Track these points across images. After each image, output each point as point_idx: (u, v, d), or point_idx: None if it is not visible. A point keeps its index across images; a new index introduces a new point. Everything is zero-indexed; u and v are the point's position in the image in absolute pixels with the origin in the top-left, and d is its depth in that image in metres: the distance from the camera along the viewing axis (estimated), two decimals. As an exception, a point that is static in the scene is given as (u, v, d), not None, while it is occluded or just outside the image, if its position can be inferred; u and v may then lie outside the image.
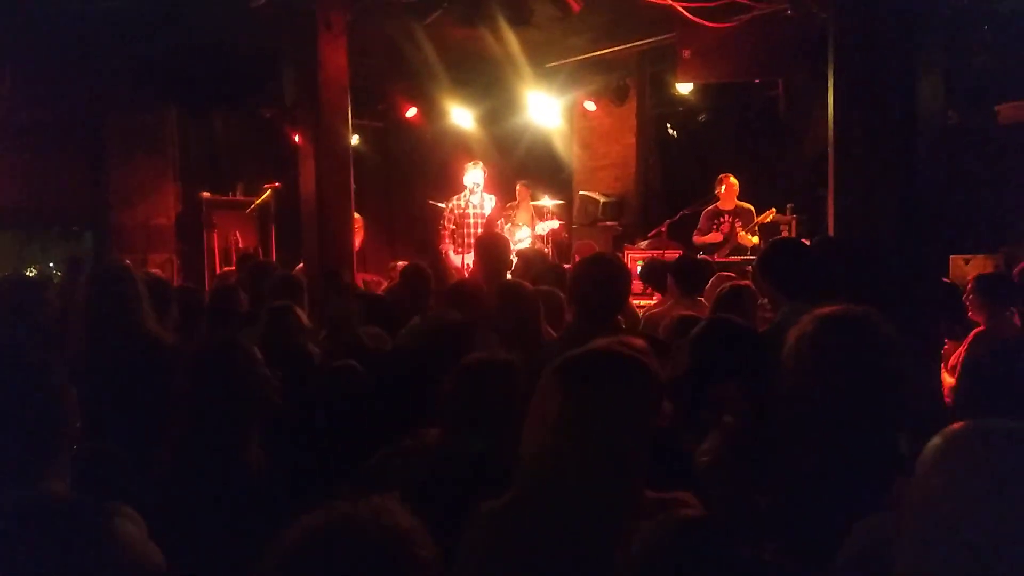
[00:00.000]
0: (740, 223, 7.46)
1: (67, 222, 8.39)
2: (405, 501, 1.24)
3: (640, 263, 6.91)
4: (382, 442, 2.45)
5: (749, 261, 6.51)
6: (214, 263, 8.83)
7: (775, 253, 3.54)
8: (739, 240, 7.41)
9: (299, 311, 3.65)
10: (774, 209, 7.43)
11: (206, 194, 9.24)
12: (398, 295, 4.78)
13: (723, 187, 7.58)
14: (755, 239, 7.32)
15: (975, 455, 1.02)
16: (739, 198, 7.66)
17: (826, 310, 1.93)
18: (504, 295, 3.46)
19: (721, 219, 7.59)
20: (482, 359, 2.28)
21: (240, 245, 8.85)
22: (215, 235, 8.96)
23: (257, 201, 8.91)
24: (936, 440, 1.07)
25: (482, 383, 2.17)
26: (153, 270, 8.12)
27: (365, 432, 2.70)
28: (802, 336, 1.89)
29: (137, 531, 1.57)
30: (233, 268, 6.67)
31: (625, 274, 3.37)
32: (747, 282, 4.00)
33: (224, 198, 9.14)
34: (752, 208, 7.57)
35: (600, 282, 3.15)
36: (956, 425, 1.08)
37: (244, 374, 2.33)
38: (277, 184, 8.34)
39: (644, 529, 1.43)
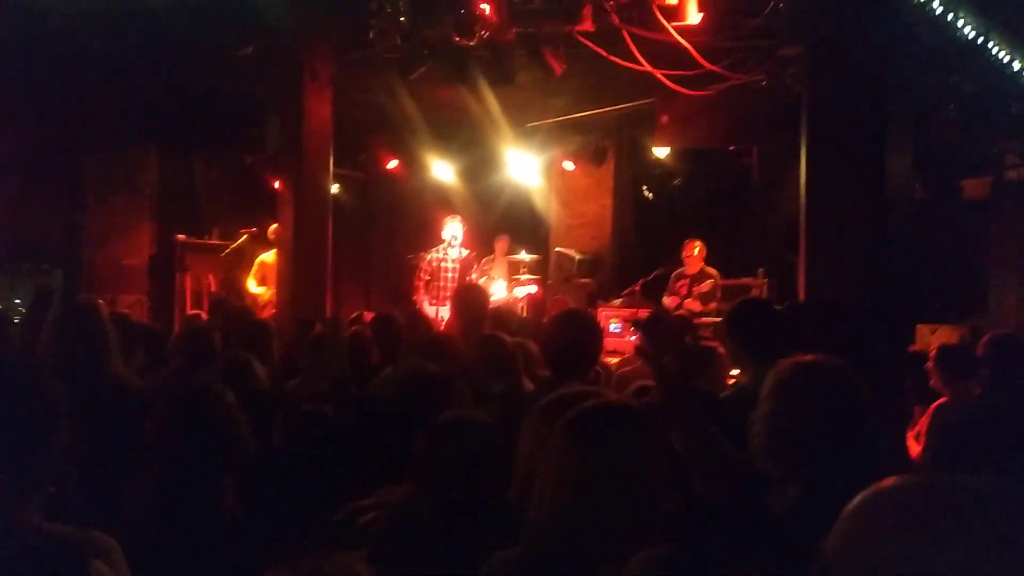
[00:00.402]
0: (696, 288, 7.61)
1: (38, 259, 8.28)
2: (371, 560, 1.23)
3: (613, 321, 6.97)
4: (354, 493, 2.42)
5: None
6: (185, 306, 8.74)
7: (743, 312, 3.55)
8: (686, 304, 7.56)
9: (256, 363, 3.58)
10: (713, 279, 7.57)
11: (181, 236, 9.19)
12: (367, 345, 4.75)
13: (688, 252, 7.74)
14: (700, 306, 7.46)
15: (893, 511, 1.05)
16: (710, 262, 7.80)
17: (804, 358, 2.00)
18: (485, 347, 3.46)
19: (680, 282, 7.75)
20: (455, 418, 2.27)
21: (212, 289, 8.78)
22: (188, 278, 8.88)
23: (233, 245, 8.88)
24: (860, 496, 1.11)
25: (455, 443, 2.15)
26: (123, 311, 8.03)
27: (338, 482, 2.67)
28: (779, 380, 1.96)
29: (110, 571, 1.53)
30: (202, 311, 6.61)
31: (597, 329, 3.39)
32: (716, 343, 4.04)
33: (199, 241, 9.09)
34: (716, 273, 7.72)
35: (572, 337, 3.17)
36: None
37: (220, 419, 2.31)
38: (254, 229, 8.33)
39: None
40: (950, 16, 5.00)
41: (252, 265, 8.22)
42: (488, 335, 3.64)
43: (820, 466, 1.85)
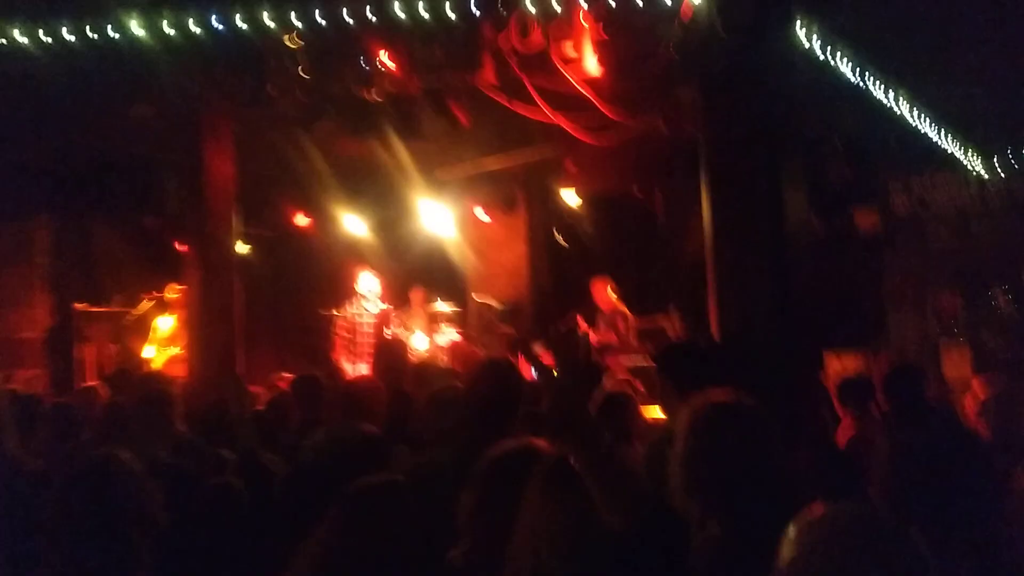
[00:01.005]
0: (621, 324, 7.66)
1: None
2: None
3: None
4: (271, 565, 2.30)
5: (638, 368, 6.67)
6: (85, 377, 8.29)
7: (675, 353, 3.66)
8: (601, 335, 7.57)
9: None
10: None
11: (80, 305, 8.76)
12: (286, 408, 4.58)
13: (601, 291, 7.80)
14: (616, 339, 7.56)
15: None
16: (625, 300, 7.88)
17: (716, 396, 2.08)
18: (435, 403, 3.39)
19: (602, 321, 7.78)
20: (370, 484, 2.19)
21: (116, 358, 8.38)
22: (88, 348, 8.45)
23: (134, 312, 8.52)
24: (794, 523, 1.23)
25: (367, 510, 2.08)
26: (17, 387, 7.55)
27: (250, 554, 2.54)
28: (693, 420, 2.03)
29: None
30: (97, 383, 6.27)
31: (519, 378, 3.38)
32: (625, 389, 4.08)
33: (100, 310, 8.68)
34: (626, 310, 7.80)
35: (496, 387, 3.14)
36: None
37: (127, 491, 2.19)
38: (158, 294, 8.02)
39: None
40: (831, 56, 5.30)
41: (152, 331, 7.90)
42: (441, 391, 3.55)
43: (737, 503, 1.88)
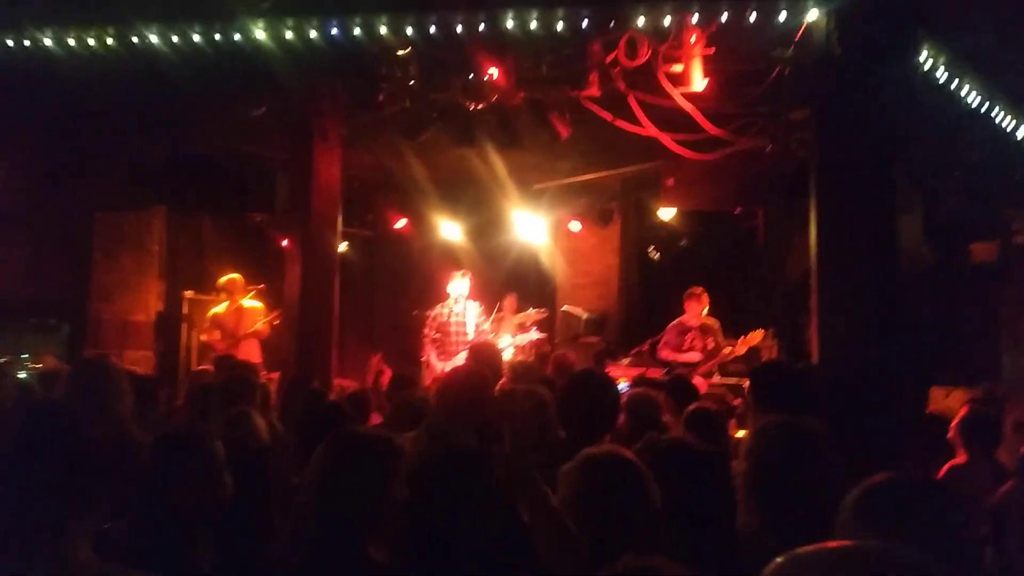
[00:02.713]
0: (700, 338, 7.46)
1: (46, 314, 8.28)
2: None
3: (622, 380, 6.90)
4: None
5: (729, 385, 6.54)
6: (192, 361, 8.70)
7: (762, 370, 3.64)
8: (726, 351, 7.33)
9: (256, 418, 3.57)
10: (763, 330, 7.46)
11: (189, 293, 9.21)
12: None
13: (688, 301, 7.58)
14: (728, 348, 7.32)
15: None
16: (715, 318, 7.70)
17: (781, 418, 2.21)
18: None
19: (686, 334, 7.58)
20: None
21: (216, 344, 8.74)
22: (193, 333, 8.87)
23: (240, 301, 8.87)
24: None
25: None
26: (129, 366, 7.99)
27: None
28: (756, 439, 2.20)
29: None
30: (209, 367, 6.57)
31: (614, 391, 3.36)
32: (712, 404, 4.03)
33: (207, 297, 9.10)
34: (714, 322, 7.59)
35: (589, 399, 3.13)
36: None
37: (200, 467, 2.32)
38: (262, 286, 8.35)
39: None
40: (955, 83, 5.08)
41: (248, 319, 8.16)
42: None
43: (790, 519, 1.98)
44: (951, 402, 6.16)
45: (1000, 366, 6.71)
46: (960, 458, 4.11)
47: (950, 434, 4.22)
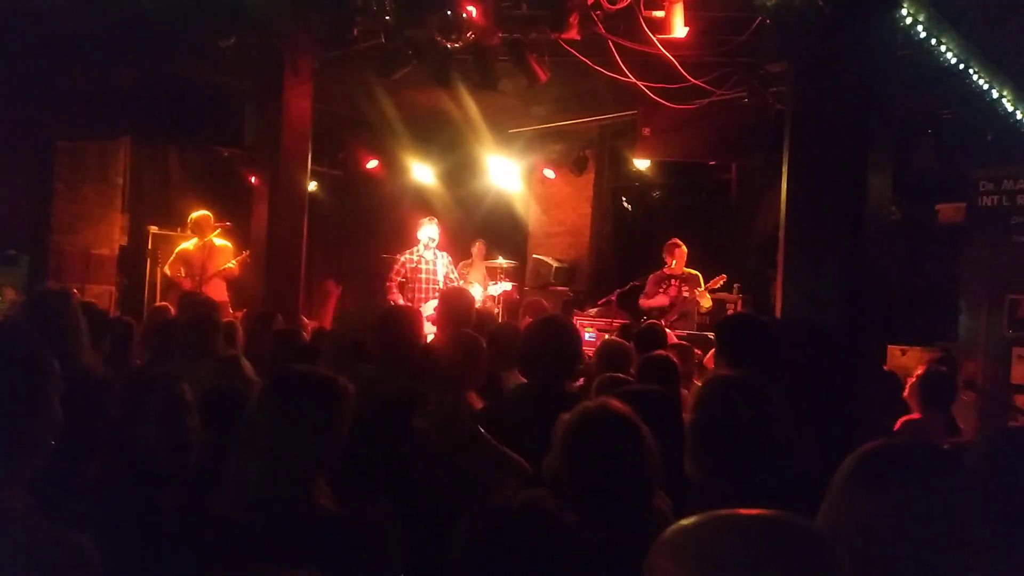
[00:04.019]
0: (687, 287, 7.49)
1: (5, 244, 8.08)
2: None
3: (588, 330, 6.95)
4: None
5: (695, 336, 6.60)
6: (155, 298, 8.58)
7: (728, 323, 3.66)
8: (697, 299, 7.38)
9: (244, 362, 3.54)
10: (723, 276, 7.52)
11: (154, 227, 9.04)
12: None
13: (674, 252, 7.63)
14: (709, 301, 7.37)
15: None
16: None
17: (725, 373, 2.22)
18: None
19: (668, 283, 7.62)
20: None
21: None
22: (158, 270, 8.73)
23: (205, 239, 8.73)
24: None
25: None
26: (90, 300, 7.86)
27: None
28: (702, 393, 2.19)
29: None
30: (169, 304, 6.47)
31: (576, 336, 3.36)
32: (667, 352, 4.03)
33: (172, 233, 8.94)
34: (699, 274, 7.63)
35: (551, 344, 3.13)
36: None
37: (168, 412, 2.25)
38: (228, 223, 8.20)
39: None
40: (933, 40, 5.05)
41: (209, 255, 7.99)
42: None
43: (735, 473, 1.99)
44: (907, 361, 6.30)
45: (957, 326, 6.84)
46: (915, 414, 4.22)
47: (906, 392, 4.33)
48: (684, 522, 1.01)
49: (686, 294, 7.42)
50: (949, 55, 5.27)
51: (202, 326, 4.00)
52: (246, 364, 3.53)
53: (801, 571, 0.93)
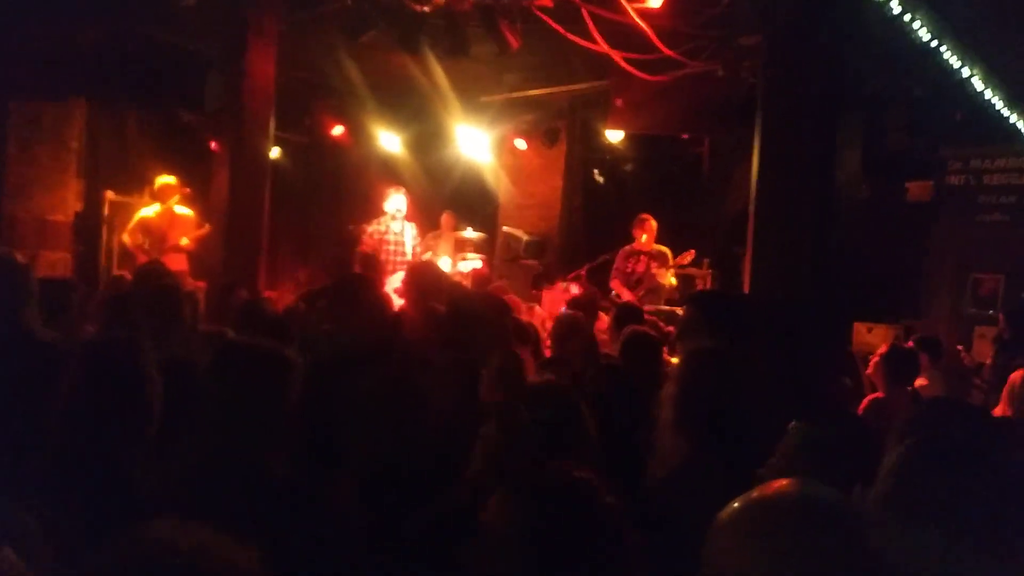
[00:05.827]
0: (655, 264, 7.42)
1: (-48, 209, 7.81)
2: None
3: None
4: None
5: (663, 311, 6.57)
6: (112, 265, 8.36)
7: (700, 297, 3.68)
8: (657, 280, 7.33)
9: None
10: (693, 251, 7.47)
11: (110, 193, 8.76)
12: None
13: (644, 227, 7.54)
14: (672, 280, 7.33)
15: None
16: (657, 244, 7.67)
17: (705, 345, 2.36)
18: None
19: (638, 258, 7.54)
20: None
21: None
22: (116, 237, 8.49)
23: (164, 206, 8.49)
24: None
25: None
26: (45, 268, 7.62)
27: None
28: (682, 364, 2.33)
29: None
30: (127, 273, 6.28)
31: (495, 313, 3.36)
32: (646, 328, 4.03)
33: (130, 199, 8.69)
34: (668, 251, 7.56)
35: (471, 321, 3.12)
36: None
37: (134, 374, 2.17)
38: (187, 190, 7.98)
39: None
40: (907, 17, 5.01)
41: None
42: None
43: (718, 445, 2.08)
44: (872, 338, 6.33)
45: (922, 304, 6.90)
46: (880, 392, 4.23)
47: (869, 370, 4.34)
48: (736, 504, 1.16)
49: (655, 270, 7.36)
50: (923, 32, 5.24)
51: (169, 296, 3.87)
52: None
53: (837, 542, 1.11)
